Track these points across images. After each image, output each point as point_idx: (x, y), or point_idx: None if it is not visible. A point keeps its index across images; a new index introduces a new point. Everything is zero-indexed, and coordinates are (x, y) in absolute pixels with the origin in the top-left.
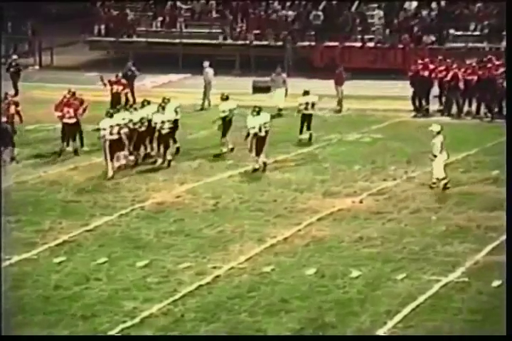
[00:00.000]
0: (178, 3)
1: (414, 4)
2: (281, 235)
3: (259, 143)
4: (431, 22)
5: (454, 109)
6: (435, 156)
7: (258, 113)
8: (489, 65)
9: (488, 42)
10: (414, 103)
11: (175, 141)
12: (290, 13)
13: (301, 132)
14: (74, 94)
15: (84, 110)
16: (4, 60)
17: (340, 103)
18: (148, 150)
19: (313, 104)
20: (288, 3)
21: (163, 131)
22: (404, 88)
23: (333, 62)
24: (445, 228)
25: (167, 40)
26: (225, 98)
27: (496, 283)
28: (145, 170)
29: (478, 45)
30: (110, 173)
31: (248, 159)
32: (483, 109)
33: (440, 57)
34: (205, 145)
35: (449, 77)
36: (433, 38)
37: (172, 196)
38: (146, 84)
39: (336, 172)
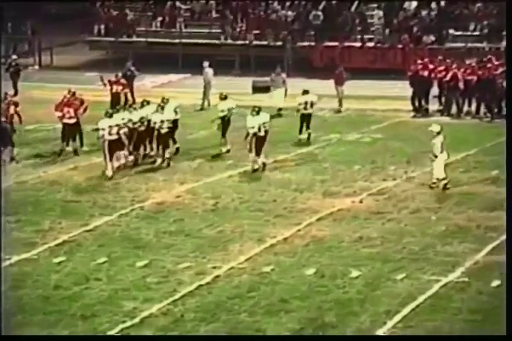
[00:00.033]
0: (178, 3)
1: (414, 4)
2: (281, 235)
3: (259, 143)
4: (430, 22)
5: (454, 109)
6: (436, 156)
7: (257, 113)
8: (489, 65)
9: (488, 42)
10: (413, 103)
11: (175, 142)
12: (290, 13)
13: (300, 132)
14: (74, 94)
15: (84, 110)
16: (4, 60)
17: (340, 103)
18: (148, 150)
19: (312, 104)
20: (288, 3)
21: (162, 131)
22: (403, 88)
23: (333, 62)
24: (445, 228)
25: (167, 40)
26: (223, 97)
27: (495, 283)
28: (145, 170)
29: (478, 45)
30: (110, 173)
31: (248, 159)
32: (482, 109)
33: (440, 57)
34: (204, 146)
35: (448, 77)
36: (433, 38)
37: (172, 196)
38: (145, 84)
39: (335, 172)
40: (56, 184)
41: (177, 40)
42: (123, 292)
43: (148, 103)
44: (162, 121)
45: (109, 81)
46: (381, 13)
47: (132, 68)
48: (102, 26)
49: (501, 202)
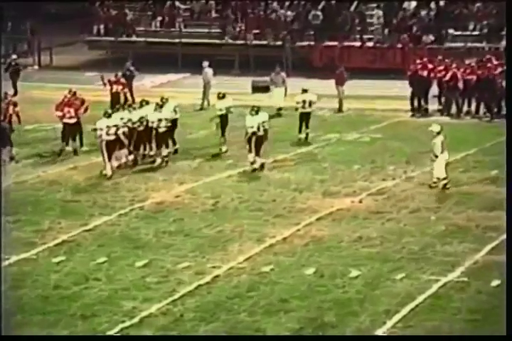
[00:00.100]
0: (177, 3)
1: (414, 4)
2: (280, 235)
3: (258, 142)
4: (430, 22)
5: (454, 109)
6: (436, 157)
7: (256, 112)
8: (488, 65)
9: (488, 42)
10: (412, 103)
11: (174, 143)
12: (289, 12)
13: (300, 131)
14: (75, 93)
15: (85, 110)
16: (4, 59)
17: (341, 103)
18: (148, 150)
19: (310, 102)
20: (287, 3)
21: (160, 130)
22: (403, 88)
23: (332, 61)
24: (444, 228)
25: (166, 40)
26: (221, 97)
27: (495, 282)
28: (144, 170)
29: (478, 44)
30: (109, 172)
31: (247, 159)
32: (482, 109)
33: (440, 57)
34: (204, 145)
35: (448, 77)
36: (432, 38)
37: (171, 196)
38: (145, 84)
39: (335, 172)
40: (56, 184)
41: (176, 40)
42: (122, 292)
43: (147, 103)
44: (160, 120)
45: (109, 81)
46: (380, 12)
47: (131, 68)
48: (102, 26)
49: (501, 201)
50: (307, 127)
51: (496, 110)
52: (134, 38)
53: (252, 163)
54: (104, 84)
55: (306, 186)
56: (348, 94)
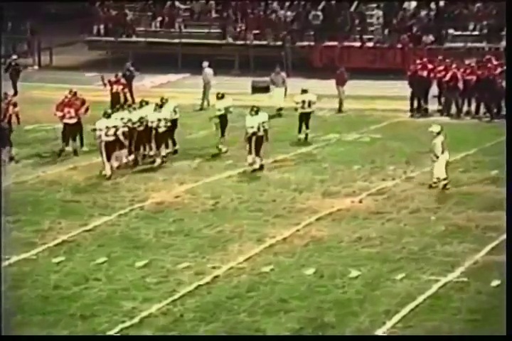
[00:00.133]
0: (177, 3)
1: (414, 4)
2: (280, 235)
3: (258, 142)
4: (430, 22)
5: (453, 109)
6: (437, 157)
7: (256, 112)
8: (488, 65)
9: (488, 42)
10: (412, 103)
11: (174, 143)
12: (289, 13)
13: (299, 131)
14: (75, 94)
15: (86, 110)
16: (3, 59)
17: (341, 103)
18: (147, 150)
19: (310, 103)
20: (287, 3)
21: (160, 130)
22: (403, 88)
23: (332, 62)
24: (444, 228)
25: (166, 40)
26: (220, 97)
27: (495, 282)
28: (144, 170)
29: (478, 45)
30: (108, 172)
31: (247, 159)
32: (482, 109)
33: (440, 57)
34: (204, 145)
35: (448, 77)
36: (432, 38)
37: (171, 196)
38: (145, 84)
39: (335, 172)
40: (55, 184)
41: (176, 40)
42: (122, 292)
43: (146, 103)
44: (159, 120)
45: (109, 81)
46: (380, 13)
47: (131, 68)
48: (102, 26)
49: (501, 202)
50: (307, 127)
51: (495, 110)
52: (134, 38)
53: (251, 164)
54: (105, 85)
55: (306, 186)
56: (348, 94)
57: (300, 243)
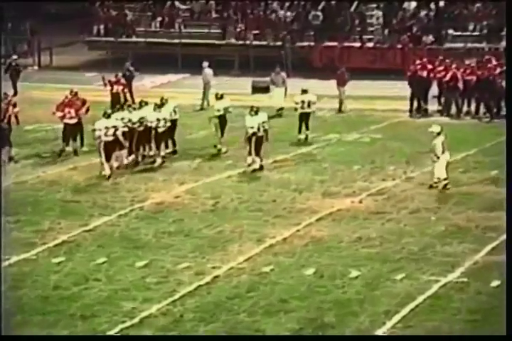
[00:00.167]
0: (177, 3)
1: (413, 4)
2: (280, 235)
3: (258, 142)
4: (430, 22)
5: (453, 109)
6: (438, 157)
7: (256, 113)
8: (488, 65)
9: (487, 42)
10: (411, 103)
11: (174, 144)
12: (289, 13)
13: (299, 131)
14: (76, 94)
15: (87, 110)
16: (3, 60)
17: (341, 103)
18: (147, 150)
19: (309, 103)
20: (287, 4)
21: (159, 130)
22: (403, 88)
23: (332, 62)
24: (444, 228)
25: (166, 40)
26: (219, 97)
27: (495, 283)
28: (144, 170)
29: (477, 45)
30: (108, 172)
31: (247, 160)
32: (482, 109)
33: (440, 58)
34: (204, 146)
35: (448, 77)
36: (432, 38)
37: (171, 196)
38: (145, 85)
39: (335, 173)
40: (55, 184)
41: (176, 40)
42: (122, 292)
43: (146, 103)
44: (158, 120)
45: (110, 81)
46: (380, 13)
47: (131, 68)
48: (102, 26)
49: (501, 202)
50: (307, 128)
51: (495, 110)
52: (133, 39)
53: (250, 165)
54: (105, 85)
55: (306, 186)
56: (348, 95)
57: (300, 243)
